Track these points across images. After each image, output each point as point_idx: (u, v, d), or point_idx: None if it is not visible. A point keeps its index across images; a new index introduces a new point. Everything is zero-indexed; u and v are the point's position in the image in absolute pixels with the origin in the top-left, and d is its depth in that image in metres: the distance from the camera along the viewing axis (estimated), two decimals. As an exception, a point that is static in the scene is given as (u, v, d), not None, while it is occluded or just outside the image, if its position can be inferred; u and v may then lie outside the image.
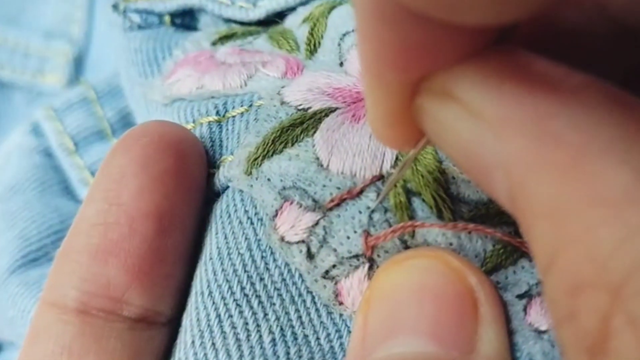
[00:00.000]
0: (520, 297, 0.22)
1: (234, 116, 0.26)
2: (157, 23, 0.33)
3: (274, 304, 0.23)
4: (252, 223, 0.24)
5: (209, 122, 0.26)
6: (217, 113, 0.26)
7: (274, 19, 0.31)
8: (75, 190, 0.36)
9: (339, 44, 0.27)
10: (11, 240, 0.33)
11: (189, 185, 0.25)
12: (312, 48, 0.28)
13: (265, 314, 0.23)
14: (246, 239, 0.24)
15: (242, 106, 0.26)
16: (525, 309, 0.22)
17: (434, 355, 0.20)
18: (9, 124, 0.42)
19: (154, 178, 0.23)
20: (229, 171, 0.25)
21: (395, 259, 0.22)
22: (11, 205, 0.34)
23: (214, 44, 0.30)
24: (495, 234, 0.22)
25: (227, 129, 0.26)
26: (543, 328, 0.21)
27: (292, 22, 0.30)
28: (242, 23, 0.32)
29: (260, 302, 0.23)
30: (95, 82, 0.38)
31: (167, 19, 0.33)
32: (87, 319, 0.23)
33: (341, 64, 0.27)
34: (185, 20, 0.33)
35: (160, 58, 0.31)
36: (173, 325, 0.24)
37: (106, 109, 0.38)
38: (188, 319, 0.24)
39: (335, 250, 0.23)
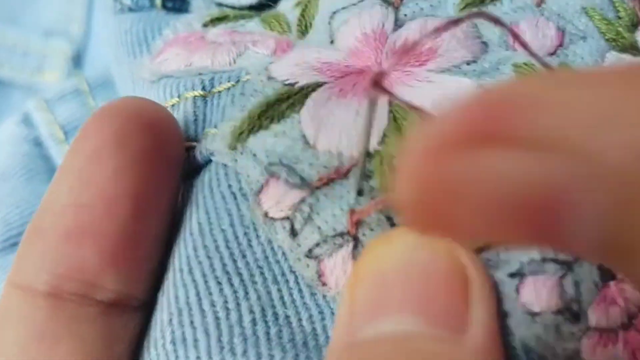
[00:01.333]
0: (512, 275, 0.21)
1: (220, 91, 0.25)
2: (148, 6, 0.32)
3: (256, 283, 0.23)
4: (235, 198, 0.23)
5: (194, 96, 0.26)
6: (204, 88, 0.26)
7: (268, 2, 0.30)
8: None
9: (329, 23, 0.27)
10: None
11: (165, 167, 0.24)
12: (304, 29, 0.28)
13: (247, 293, 0.22)
14: (229, 214, 0.23)
15: (229, 82, 0.25)
16: (517, 289, 0.21)
17: (424, 334, 0.19)
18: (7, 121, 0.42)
19: (131, 158, 0.22)
20: (212, 144, 0.24)
21: (383, 235, 0.21)
22: None
23: (205, 25, 0.30)
24: None
25: (213, 104, 0.25)
26: (536, 310, 0.21)
27: (285, 6, 0.30)
28: (234, 8, 0.31)
29: (241, 281, 0.23)
30: (89, 74, 0.38)
31: (158, 1, 0.32)
32: (59, 303, 0.22)
33: (332, 42, 0.26)
34: (177, 3, 0.32)
35: (150, 38, 0.30)
36: (147, 308, 0.24)
37: (98, 100, 0.37)
38: (165, 297, 0.23)
39: (319, 228, 0.22)
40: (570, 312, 0.21)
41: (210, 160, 0.24)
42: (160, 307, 0.23)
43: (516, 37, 0.23)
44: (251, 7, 0.31)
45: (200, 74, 0.26)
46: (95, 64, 0.39)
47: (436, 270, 0.20)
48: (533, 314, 0.21)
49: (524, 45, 0.22)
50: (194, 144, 0.25)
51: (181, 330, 0.22)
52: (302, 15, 0.28)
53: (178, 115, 0.26)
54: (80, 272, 0.22)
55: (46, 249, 0.22)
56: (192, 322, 0.22)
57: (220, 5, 0.31)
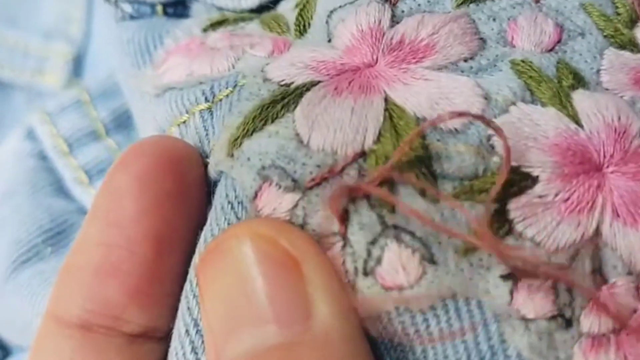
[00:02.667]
0: (504, 278, 0.21)
1: (220, 99, 0.25)
2: (149, 13, 0.32)
3: None
4: (232, 207, 0.23)
5: (200, 110, 0.26)
6: (206, 99, 0.26)
7: (268, 5, 0.30)
8: (69, 190, 0.37)
9: (327, 22, 0.27)
10: (3, 247, 0.33)
11: (188, 207, 0.25)
12: (302, 29, 0.27)
13: None
14: (228, 223, 0.23)
15: (227, 88, 0.25)
16: (511, 293, 0.21)
17: (279, 339, 0.20)
18: (8, 124, 0.42)
19: (153, 201, 0.24)
20: (215, 156, 0.24)
21: (208, 247, 0.23)
22: (2, 212, 0.35)
23: (205, 30, 0.29)
24: (459, 235, 0.21)
25: (217, 114, 0.25)
26: (530, 316, 0.21)
27: (284, 7, 0.30)
28: (234, 11, 0.31)
29: None
30: (89, 83, 0.39)
31: (159, 8, 0.32)
32: (89, 334, 0.23)
33: (329, 41, 0.26)
34: (178, 9, 0.32)
35: (152, 47, 0.30)
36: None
37: (100, 110, 0.38)
38: (181, 308, 0.24)
39: (314, 230, 0.22)
40: (564, 318, 0.21)
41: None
42: (178, 318, 0.24)
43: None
44: (251, 10, 0.30)
45: (200, 83, 0.26)
46: (96, 65, 0.40)
47: (264, 267, 0.21)
48: (527, 320, 0.21)
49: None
50: (207, 160, 0.25)
51: (200, 339, 0.23)
52: (300, 15, 0.28)
53: (191, 133, 0.26)
54: (106, 307, 0.23)
55: (77, 285, 0.24)
56: (192, 343, 0.23)
57: (220, 9, 0.31)
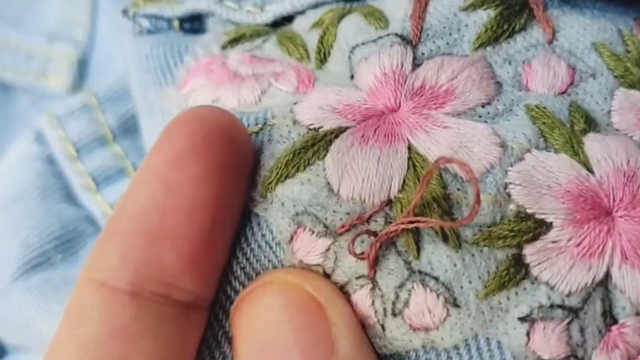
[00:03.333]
0: (522, 320, 0.23)
1: (249, 134, 0.27)
2: (166, 28, 0.33)
3: None
4: (271, 247, 0.25)
5: None
6: None
7: (282, 21, 0.32)
8: (77, 197, 0.37)
9: (349, 57, 0.28)
10: (14, 248, 0.34)
11: (241, 176, 0.25)
12: (322, 57, 0.29)
13: None
14: (269, 261, 0.25)
15: (256, 124, 0.27)
16: (528, 334, 0.23)
17: None
18: (13, 126, 0.42)
19: (212, 166, 0.23)
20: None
21: (241, 294, 0.24)
22: (13, 214, 0.35)
23: (223, 47, 0.31)
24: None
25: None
26: (546, 357, 0.23)
27: (300, 25, 0.31)
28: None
29: None
30: (97, 88, 0.39)
31: (175, 24, 0.33)
32: (142, 302, 0.23)
33: (352, 77, 0.28)
34: (194, 24, 0.33)
35: (172, 64, 0.31)
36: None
37: (107, 115, 0.38)
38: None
39: (344, 272, 0.24)
40: (577, 358, 0.23)
41: None
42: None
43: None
44: (266, 24, 0.32)
45: None
46: (101, 69, 0.40)
47: (295, 313, 0.23)
48: None
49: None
50: None
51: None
52: (321, 42, 0.29)
53: None
54: (161, 273, 0.23)
55: (127, 249, 0.23)
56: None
57: (236, 23, 0.32)
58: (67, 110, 0.38)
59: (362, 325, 0.24)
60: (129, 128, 0.38)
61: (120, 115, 0.38)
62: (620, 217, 0.24)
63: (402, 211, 0.24)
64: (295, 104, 0.27)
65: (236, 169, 0.24)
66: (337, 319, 0.23)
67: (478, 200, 0.22)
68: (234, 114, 0.27)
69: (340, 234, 0.24)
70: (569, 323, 0.23)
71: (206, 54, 0.31)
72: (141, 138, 0.37)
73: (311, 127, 0.26)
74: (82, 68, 0.42)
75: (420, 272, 0.24)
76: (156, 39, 0.33)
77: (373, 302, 0.24)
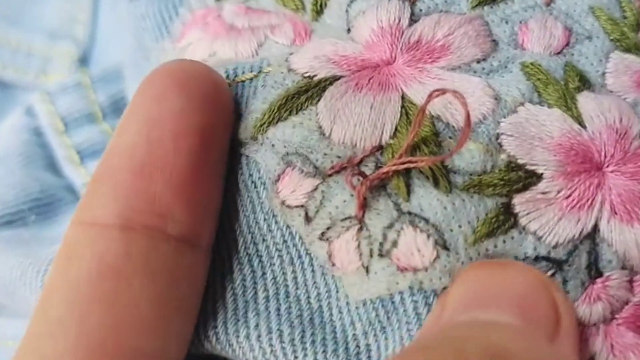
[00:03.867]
0: None
1: (243, 81, 0.27)
2: None
3: (274, 264, 0.25)
4: (255, 187, 0.25)
5: None
6: (227, 77, 0.27)
7: None
8: (61, 168, 0.37)
9: (347, 10, 0.28)
10: None
11: (224, 109, 0.25)
12: (319, 9, 0.29)
13: (264, 273, 0.25)
14: (250, 201, 0.25)
15: (251, 71, 0.27)
16: None
17: (520, 327, 0.21)
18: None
19: (196, 98, 0.24)
20: (235, 134, 0.26)
21: (489, 261, 0.23)
22: None
23: None
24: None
25: (237, 93, 0.27)
26: None
27: None
28: None
29: (260, 262, 0.25)
30: (94, 70, 0.39)
31: None
32: (133, 236, 0.23)
33: (348, 30, 0.28)
34: None
35: (167, 19, 0.31)
36: (211, 255, 0.25)
37: (99, 94, 0.38)
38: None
39: (330, 213, 0.24)
40: None
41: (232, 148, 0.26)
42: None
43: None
44: None
45: (224, 64, 0.28)
46: (101, 66, 0.40)
47: (532, 288, 0.22)
48: None
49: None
50: None
51: (204, 304, 0.25)
52: None
53: None
54: (152, 204, 0.23)
55: (117, 184, 0.23)
56: (214, 296, 0.25)
57: None
58: (59, 87, 0.38)
59: (345, 273, 0.24)
60: (119, 108, 0.38)
61: (111, 94, 0.38)
62: (611, 172, 0.24)
63: (393, 157, 0.24)
64: (291, 54, 0.27)
65: (219, 102, 0.25)
66: (568, 323, 0.22)
67: (468, 123, 0.22)
68: (230, 64, 0.27)
69: (330, 175, 0.24)
70: (552, 275, 0.23)
71: (201, 6, 0.31)
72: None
73: (306, 74, 0.26)
74: (82, 66, 0.42)
75: (409, 213, 0.23)
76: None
77: (359, 244, 0.24)
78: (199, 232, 0.24)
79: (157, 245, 0.23)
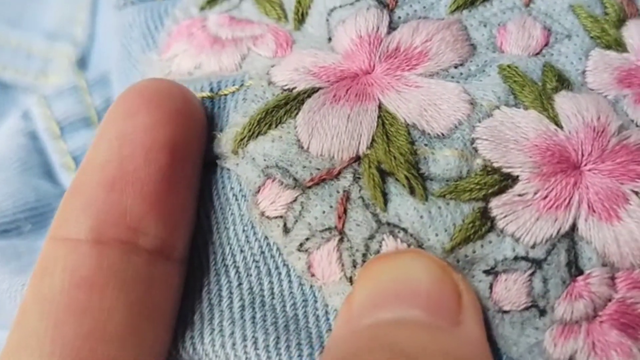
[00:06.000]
0: (486, 272, 0.23)
1: (225, 95, 0.27)
2: None
3: (250, 275, 0.25)
4: (237, 199, 0.26)
5: (202, 97, 0.28)
6: (211, 90, 0.28)
7: None
8: (57, 175, 0.37)
9: (327, 20, 0.28)
10: None
11: (196, 124, 0.26)
12: (300, 18, 0.29)
13: (240, 283, 0.25)
14: (231, 214, 0.26)
15: (233, 85, 0.27)
16: (491, 286, 0.23)
17: (421, 320, 0.21)
18: None
19: (165, 114, 0.24)
20: (217, 148, 0.26)
21: (387, 253, 0.24)
22: None
23: (202, 8, 0.31)
24: None
25: (220, 106, 0.27)
26: (506, 308, 0.23)
27: None
28: None
29: (237, 272, 0.25)
30: (90, 74, 0.40)
31: None
32: (104, 250, 0.23)
33: (330, 39, 0.28)
34: None
35: (152, 29, 0.32)
36: (186, 267, 0.25)
37: (95, 97, 0.39)
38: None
39: (309, 224, 0.24)
40: (537, 308, 0.23)
41: (216, 163, 0.27)
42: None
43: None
44: None
45: (208, 77, 0.28)
46: (100, 67, 0.40)
47: (434, 278, 0.22)
48: (503, 312, 0.23)
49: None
50: None
51: (181, 313, 0.25)
52: (299, 2, 0.29)
53: None
54: (123, 217, 0.23)
55: (89, 199, 0.23)
56: (191, 306, 0.25)
57: None
58: (55, 91, 0.39)
59: (325, 283, 0.25)
60: None
61: (107, 97, 0.39)
62: (589, 170, 0.24)
63: (369, 167, 0.24)
64: (272, 67, 0.27)
65: (190, 117, 0.25)
66: (469, 301, 0.23)
67: None
68: (214, 77, 0.27)
69: (309, 187, 0.24)
70: (532, 274, 0.23)
71: (186, 16, 0.31)
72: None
73: (285, 87, 0.26)
74: (81, 67, 0.42)
75: (388, 223, 0.24)
76: (137, 8, 0.33)
77: (340, 256, 0.24)
78: (172, 244, 0.25)
79: (128, 257, 0.23)
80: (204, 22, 0.30)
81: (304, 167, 0.25)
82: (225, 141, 0.26)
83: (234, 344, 0.24)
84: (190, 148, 0.25)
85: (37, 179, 0.36)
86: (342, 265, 0.24)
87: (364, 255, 0.24)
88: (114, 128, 0.24)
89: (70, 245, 0.23)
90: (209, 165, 0.27)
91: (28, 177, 0.36)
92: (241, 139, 0.26)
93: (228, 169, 0.26)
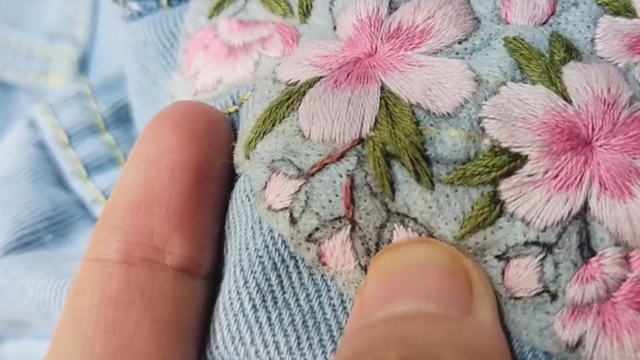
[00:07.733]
0: (498, 258, 0.23)
1: (242, 103, 0.28)
2: (155, 7, 0.33)
3: (255, 272, 0.25)
4: (249, 200, 0.26)
5: (229, 112, 0.28)
6: (234, 102, 0.28)
7: None
8: (68, 182, 0.37)
9: (330, 9, 0.28)
10: (5, 224, 0.34)
11: (222, 144, 0.26)
12: (305, 10, 0.29)
13: (246, 282, 0.25)
14: (245, 215, 0.25)
15: (249, 91, 0.27)
16: (503, 272, 0.23)
17: (433, 312, 0.21)
18: (14, 125, 0.42)
19: (190, 135, 0.25)
20: (235, 159, 0.27)
21: (397, 243, 0.24)
22: (5, 194, 0.36)
23: (210, 16, 0.31)
24: None
25: (241, 116, 0.27)
26: (518, 295, 0.23)
27: None
28: None
29: (242, 271, 0.25)
30: (93, 78, 0.39)
31: (164, 1, 0.33)
32: (132, 269, 0.24)
33: (335, 28, 0.28)
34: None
35: (168, 45, 0.32)
36: (213, 282, 0.26)
37: (100, 103, 0.39)
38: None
39: (317, 213, 0.24)
40: (549, 293, 0.22)
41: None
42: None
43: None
44: None
45: (229, 90, 0.28)
46: (102, 68, 0.40)
47: (444, 268, 0.22)
48: (515, 299, 0.22)
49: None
50: None
51: (210, 326, 0.25)
52: None
53: None
54: (149, 238, 0.24)
55: (118, 222, 0.25)
56: (216, 317, 0.25)
57: None
58: (60, 98, 0.39)
59: (338, 272, 0.24)
60: (121, 117, 0.39)
61: (112, 103, 0.39)
62: (600, 146, 0.23)
63: (374, 150, 0.24)
64: (277, 65, 0.27)
65: (216, 137, 0.26)
66: (481, 288, 0.22)
67: None
68: (234, 89, 0.28)
69: (312, 175, 0.24)
70: (543, 259, 0.22)
71: (197, 29, 0.31)
72: (133, 127, 0.38)
73: (289, 82, 0.26)
74: (82, 67, 0.42)
75: (398, 213, 0.23)
76: (146, 22, 0.33)
77: (353, 244, 0.24)
78: (198, 262, 0.25)
79: (155, 275, 0.24)
80: (215, 31, 0.30)
81: (307, 155, 0.24)
82: (239, 149, 0.26)
83: (257, 352, 0.24)
84: (215, 167, 0.26)
85: (51, 187, 0.37)
86: (356, 254, 0.24)
87: (377, 244, 0.24)
88: (142, 152, 0.25)
89: (100, 265, 0.24)
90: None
91: (41, 187, 0.36)
92: (250, 142, 0.25)
93: (245, 176, 0.26)
